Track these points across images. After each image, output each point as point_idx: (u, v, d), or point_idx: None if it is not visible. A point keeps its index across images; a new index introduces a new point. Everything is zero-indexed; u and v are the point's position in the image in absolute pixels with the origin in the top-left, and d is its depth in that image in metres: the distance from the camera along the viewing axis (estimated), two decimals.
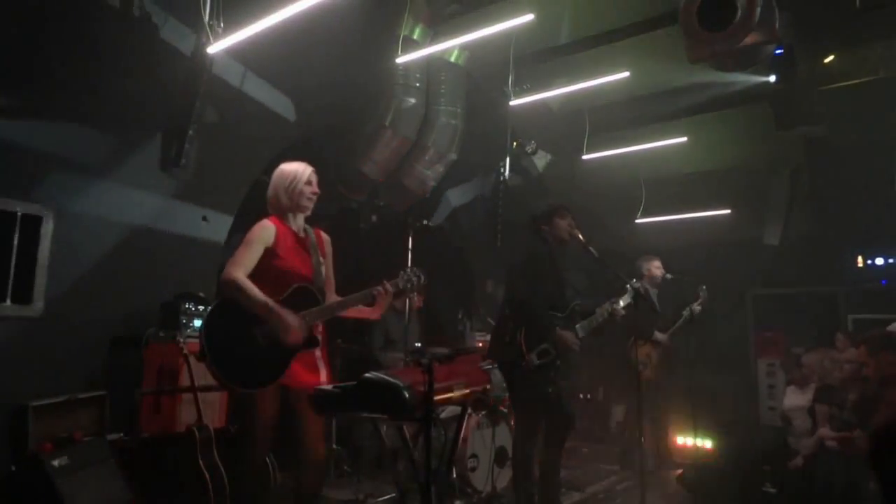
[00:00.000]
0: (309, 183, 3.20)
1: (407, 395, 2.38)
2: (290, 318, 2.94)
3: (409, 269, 3.18)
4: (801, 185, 7.58)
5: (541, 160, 7.99)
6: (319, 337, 3.09)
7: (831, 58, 6.17)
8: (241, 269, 2.95)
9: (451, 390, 2.75)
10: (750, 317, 8.11)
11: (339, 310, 3.13)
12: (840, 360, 5.40)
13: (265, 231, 3.07)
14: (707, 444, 6.00)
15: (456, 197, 7.97)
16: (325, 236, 3.40)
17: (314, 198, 3.23)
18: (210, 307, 3.02)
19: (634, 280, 4.43)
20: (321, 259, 3.24)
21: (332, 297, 3.24)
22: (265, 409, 2.95)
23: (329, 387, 2.61)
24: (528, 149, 7.28)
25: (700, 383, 7.19)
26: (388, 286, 3.11)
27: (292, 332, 2.93)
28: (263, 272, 3.02)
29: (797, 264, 7.69)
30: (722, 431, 6.25)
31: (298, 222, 3.24)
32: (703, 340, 6.97)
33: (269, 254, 3.05)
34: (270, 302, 2.91)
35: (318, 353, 3.11)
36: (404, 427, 2.93)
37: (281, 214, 3.20)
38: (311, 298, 3.08)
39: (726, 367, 7.77)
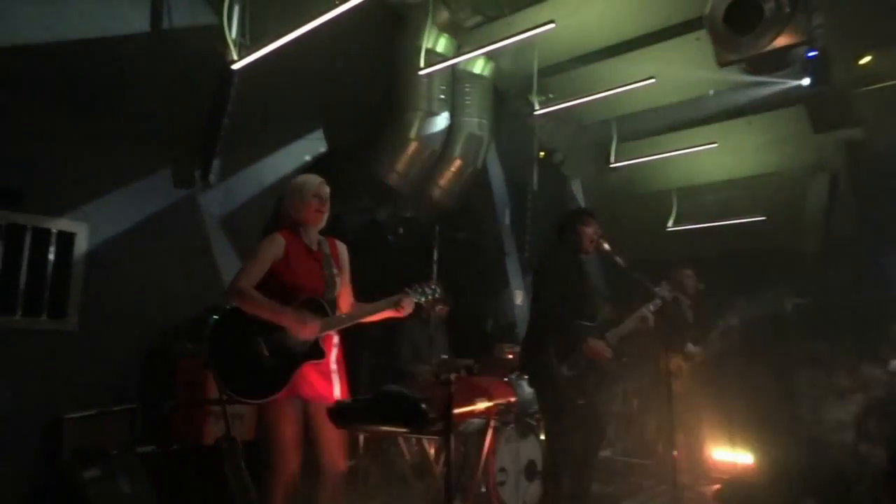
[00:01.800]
0: (317, 196, 3.14)
1: (425, 409, 2.36)
2: (295, 313, 2.91)
3: (423, 282, 3.15)
4: (839, 189, 7.34)
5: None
6: (332, 351, 3.07)
7: (868, 58, 5.99)
8: (246, 280, 2.93)
9: (472, 404, 2.72)
10: (791, 327, 7.86)
11: (349, 321, 3.09)
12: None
13: (273, 243, 3.05)
14: (747, 459, 5.81)
15: (484, 204, 7.89)
16: (340, 245, 3.33)
17: (323, 210, 3.17)
18: (216, 319, 3.03)
19: (663, 283, 4.31)
20: (335, 271, 3.18)
21: (348, 308, 3.21)
22: (285, 423, 2.92)
23: (349, 400, 2.60)
24: (556, 158, 7.23)
25: (739, 396, 7.02)
26: (404, 299, 3.06)
27: (305, 326, 2.90)
28: (272, 284, 2.99)
29: (839, 272, 7.44)
30: (763, 445, 6.05)
31: (311, 234, 3.20)
32: (743, 353, 6.78)
33: (279, 266, 3.02)
34: (276, 304, 2.89)
35: (333, 365, 3.08)
36: (426, 441, 2.90)
37: (292, 227, 3.18)
38: (319, 310, 3.03)
39: (767, 378, 7.54)
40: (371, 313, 3.10)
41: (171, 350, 4.65)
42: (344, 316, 3.09)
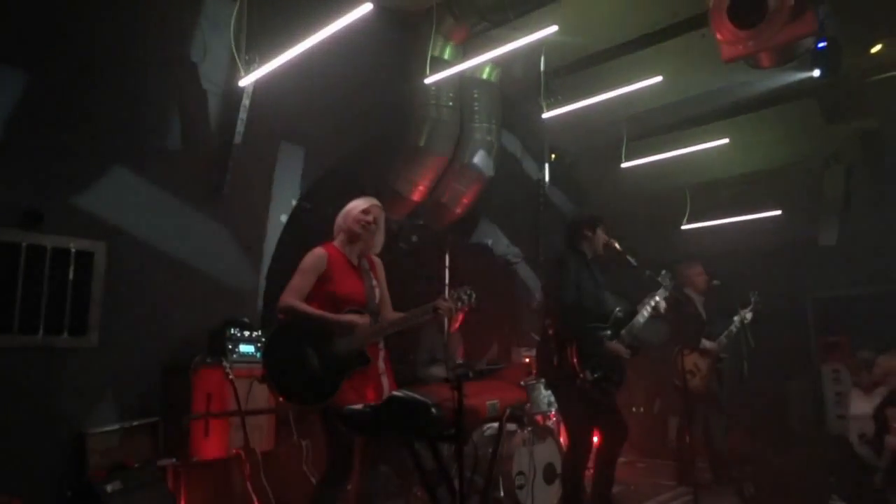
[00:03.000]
0: (365, 212, 3.32)
1: (435, 413, 2.37)
2: (351, 317, 3.11)
3: (461, 288, 3.24)
4: (856, 181, 7.24)
5: None
6: (379, 355, 3.24)
7: (879, 47, 5.92)
8: (294, 295, 3.14)
9: (483, 406, 2.73)
10: (811, 321, 7.76)
11: (391, 329, 3.24)
12: None
13: (317, 259, 3.23)
14: (768, 455, 5.74)
15: (496, 210, 7.92)
16: (377, 260, 3.51)
17: (368, 227, 3.31)
18: (269, 333, 3.26)
19: (664, 273, 4.29)
20: (374, 283, 3.36)
21: (388, 318, 3.35)
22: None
23: (359, 406, 2.62)
24: (567, 160, 7.22)
25: (759, 392, 6.94)
26: (442, 305, 3.14)
27: (358, 325, 3.10)
28: (318, 298, 3.18)
29: (857, 264, 7.34)
30: (784, 442, 5.97)
31: (354, 250, 3.36)
32: (763, 348, 6.71)
33: (323, 280, 3.19)
34: (328, 314, 3.09)
35: (381, 365, 3.25)
36: (441, 445, 2.91)
37: (338, 241, 3.35)
38: None
39: (789, 374, 7.44)
40: (411, 321, 3.24)
41: (191, 363, 4.71)
42: (387, 323, 3.26)
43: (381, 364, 3.27)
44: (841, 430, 6.54)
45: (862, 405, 5.30)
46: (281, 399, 3.14)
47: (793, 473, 5.01)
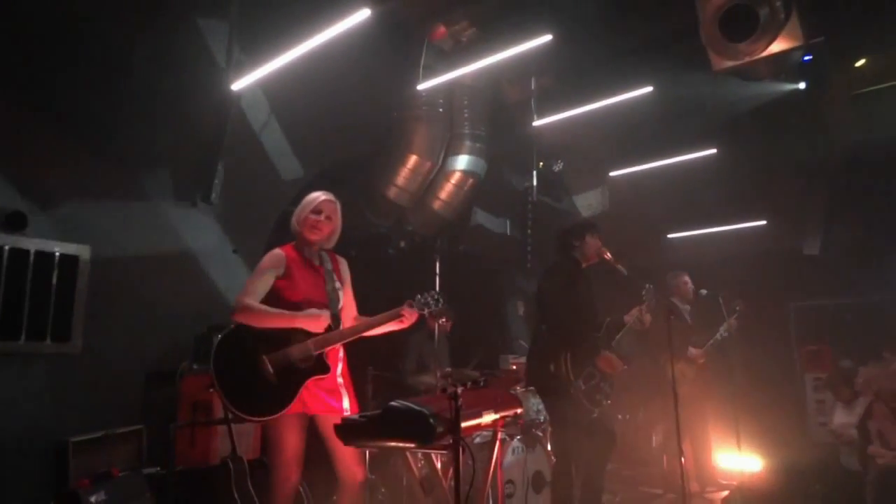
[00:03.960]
0: (317, 212, 3.16)
1: (433, 423, 2.35)
2: (311, 311, 2.96)
3: (426, 293, 3.13)
4: (839, 191, 7.35)
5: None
6: (338, 365, 3.09)
7: (863, 61, 6.03)
8: (249, 296, 2.97)
9: (479, 416, 2.72)
10: (794, 330, 7.85)
11: (353, 334, 3.08)
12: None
13: (275, 259, 3.09)
14: (753, 464, 5.78)
15: (484, 216, 7.92)
16: (341, 260, 3.36)
17: (322, 227, 3.16)
18: (218, 338, 2.99)
19: (648, 286, 4.31)
20: (337, 285, 3.21)
21: (351, 322, 3.22)
22: (288, 438, 2.94)
23: (355, 416, 2.59)
24: (556, 168, 7.25)
25: (745, 400, 6.99)
26: (404, 311, 3.06)
27: (319, 318, 2.96)
28: (276, 300, 3.02)
29: (840, 274, 7.44)
30: (769, 450, 6.02)
31: (312, 249, 3.22)
32: (747, 356, 6.77)
33: (282, 281, 3.05)
34: (285, 311, 2.94)
35: (340, 379, 3.09)
36: (434, 454, 2.89)
37: (297, 242, 3.22)
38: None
39: (772, 383, 7.52)
40: (374, 326, 3.10)
41: (176, 370, 4.64)
42: (348, 330, 3.09)
43: (340, 378, 3.10)
44: (822, 437, 6.62)
45: (844, 416, 5.35)
46: (231, 410, 2.88)
47: (778, 481, 5.05)
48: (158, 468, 4.25)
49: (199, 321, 4.96)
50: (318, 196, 3.22)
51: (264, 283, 3.02)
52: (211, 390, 2.88)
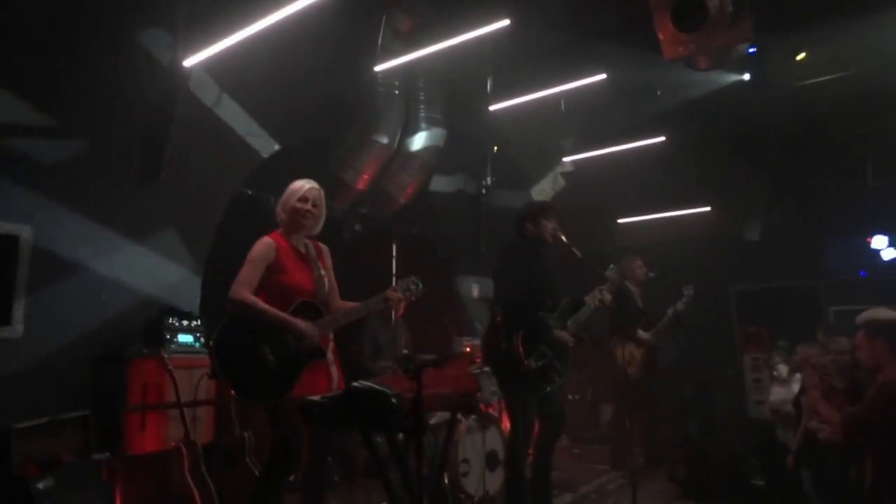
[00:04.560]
0: (303, 199, 3.24)
1: (396, 403, 2.37)
2: (303, 324, 3.08)
3: (408, 279, 3.29)
4: (780, 180, 7.68)
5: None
6: (329, 346, 3.23)
7: (803, 55, 6.29)
8: (245, 287, 3.07)
9: (439, 396, 2.75)
10: (734, 312, 8.19)
11: (345, 320, 3.23)
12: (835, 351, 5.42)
13: (266, 248, 3.16)
14: (695, 439, 6.05)
15: (438, 180, 7.87)
16: (323, 247, 3.46)
17: (310, 216, 3.25)
18: (219, 327, 3.09)
19: (611, 266, 4.43)
20: (322, 272, 3.32)
21: (338, 306, 3.34)
22: (291, 421, 2.99)
23: (317, 397, 2.59)
24: (509, 152, 7.29)
25: (687, 380, 7.29)
26: (391, 296, 3.21)
27: (309, 336, 3.07)
28: (268, 288, 3.13)
29: (779, 259, 7.79)
30: (710, 426, 6.30)
31: (299, 237, 3.31)
32: (690, 338, 7.03)
33: (272, 270, 3.14)
34: (281, 314, 3.05)
35: (330, 358, 3.23)
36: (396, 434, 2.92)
37: (283, 230, 3.29)
38: (314, 312, 3.17)
39: (713, 362, 7.84)
40: (364, 311, 3.26)
41: (125, 354, 4.52)
42: (339, 316, 3.23)
43: (330, 355, 3.26)
44: (759, 414, 6.97)
45: (781, 392, 5.64)
46: (233, 394, 3.09)
47: (719, 456, 5.29)
48: (108, 454, 4.15)
49: (147, 303, 4.86)
50: (304, 184, 3.28)
51: (257, 273, 3.11)
52: (210, 378, 2.93)
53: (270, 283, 3.13)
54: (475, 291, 8.06)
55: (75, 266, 4.61)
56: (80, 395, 4.44)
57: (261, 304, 3.06)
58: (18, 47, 4.26)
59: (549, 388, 4.04)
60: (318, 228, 3.37)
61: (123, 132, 4.86)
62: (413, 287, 3.28)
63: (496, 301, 4.28)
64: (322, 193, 3.34)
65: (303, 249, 3.31)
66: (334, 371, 3.25)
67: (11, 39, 4.22)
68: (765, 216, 7.79)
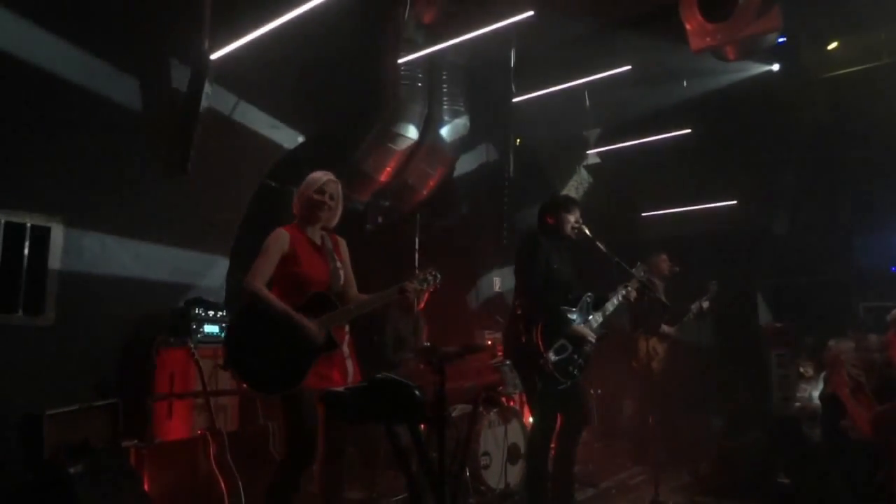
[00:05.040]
0: (320, 192, 3.21)
1: (419, 395, 2.38)
2: (306, 322, 3.03)
3: (426, 270, 3.26)
4: (809, 173, 7.52)
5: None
6: (345, 339, 3.20)
7: (835, 44, 6.14)
8: (259, 278, 3.06)
9: (462, 389, 2.76)
10: (761, 308, 8.05)
11: (358, 311, 3.20)
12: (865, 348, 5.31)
13: (280, 239, 3.15)
14: (719, 435, 5.98)
15: (458, 194, 7.87)
16: (340, 240, 3.45)
17: (326, 208, 3.23)
18: (231, 316, 3.08)
19: (639, 264, 4.39)
20: (339, 264, 3.30)
21: (353, 298, 3.32)
22: (304, 412, 3.01)
23: (340, 389, 2.62)
24: (533, 145, 7.21)
25: (712, 376, 7.20)
26: (408, 287, 3.16)
27: (311, 335, 3.03)
28: (282, 279, 3.13)
29: (807, 254, 7.64)
30: (735, 423, 6.22)
31: (315, 229, 3.29)
32: (716, 333, 6.94)
33: (286, 261, 3.13)
34: (290, 311, 3.02)
35: (346, 351, 3.21)
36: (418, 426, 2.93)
37: (299, 221, 3.28)
38: (328, 304, 3.14)
39: (738, 358, 7.73)
40: (378, 303, 3.22)
41: (153, 343, 4.60)
42: (353, 307, 3.21)
43: (346, 348, 3.24)
44: (785, 411, 6.86)
45: (809, 388, 5.55)
46: (244, 385, 3.10)
47: (744, 453, 5.23)
48: (137, 441, 4.23)
49: (174, 294, 4.93)
50: (322, 176, 3.25)
51: (271, 263, 3.10)
52: (223, 369, 2.93)
53: (285, 274, 3.13)
54: (497, 284, 8.05)
55: (104, 257, 4.70)
56: (110, 382, 4.54)
57: (270, 297, 3.04)
58: (50, 43, 4.33)
59: (568, 383, 4.01)
60: (335, 221, 3.34)
61: (150, 125, 4.93)
62: (431, 278, 3.25)
63: (516, 294, 4.27)
64: (339, 186, 3.31)
65: (318, 241, 3.29)
66: (349, 364, 3.23)
67: (39, 38, 4.29)
68: (793, 210, 7.64)
